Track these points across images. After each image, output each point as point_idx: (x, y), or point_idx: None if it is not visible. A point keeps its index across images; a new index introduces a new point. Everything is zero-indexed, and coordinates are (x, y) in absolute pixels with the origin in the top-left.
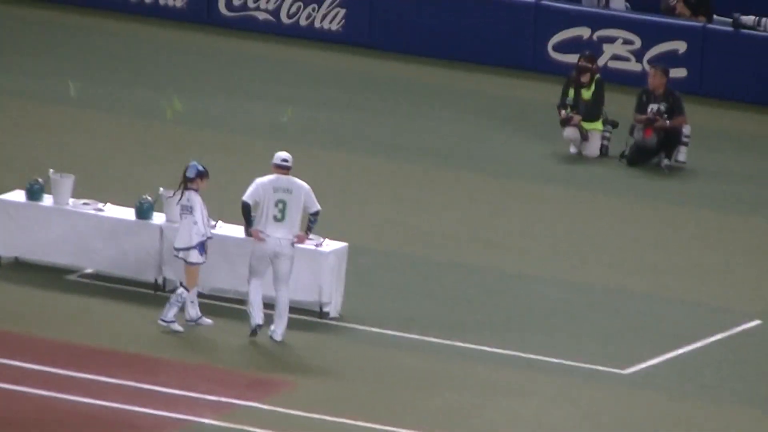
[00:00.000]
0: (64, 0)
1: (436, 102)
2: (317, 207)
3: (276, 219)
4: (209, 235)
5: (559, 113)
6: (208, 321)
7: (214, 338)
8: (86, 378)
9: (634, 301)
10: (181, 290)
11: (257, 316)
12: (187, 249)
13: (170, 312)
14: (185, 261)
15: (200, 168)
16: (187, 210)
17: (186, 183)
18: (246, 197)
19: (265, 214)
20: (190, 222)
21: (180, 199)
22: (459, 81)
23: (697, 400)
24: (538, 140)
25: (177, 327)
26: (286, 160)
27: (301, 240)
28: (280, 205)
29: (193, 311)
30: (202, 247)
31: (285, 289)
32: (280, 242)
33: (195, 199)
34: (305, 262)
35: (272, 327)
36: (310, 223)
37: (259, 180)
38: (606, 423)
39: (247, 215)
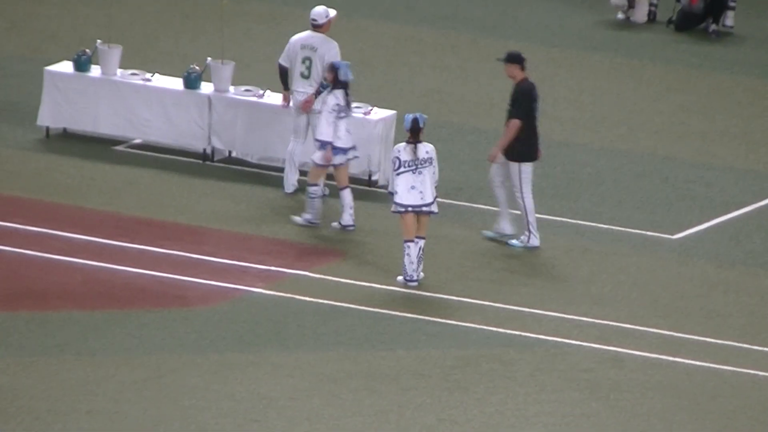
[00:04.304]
0: None
1: None
2: None
3: (303, 76)
4: None
5: None
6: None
7: (263, 210)
8: (135, 248)
9: (683, 169)
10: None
11: (286, 185)
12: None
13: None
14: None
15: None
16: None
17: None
18: (281, 59)
19: (296, 70)
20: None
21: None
22: None
23: (746, 266)
24: (585, 8)
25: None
26: (314, 19)
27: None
28: (307, 62)
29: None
30: None
31: None
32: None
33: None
34: (353, 130)
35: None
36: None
37: (292, 38)
38: (655, 290)
39: (282, 78)
